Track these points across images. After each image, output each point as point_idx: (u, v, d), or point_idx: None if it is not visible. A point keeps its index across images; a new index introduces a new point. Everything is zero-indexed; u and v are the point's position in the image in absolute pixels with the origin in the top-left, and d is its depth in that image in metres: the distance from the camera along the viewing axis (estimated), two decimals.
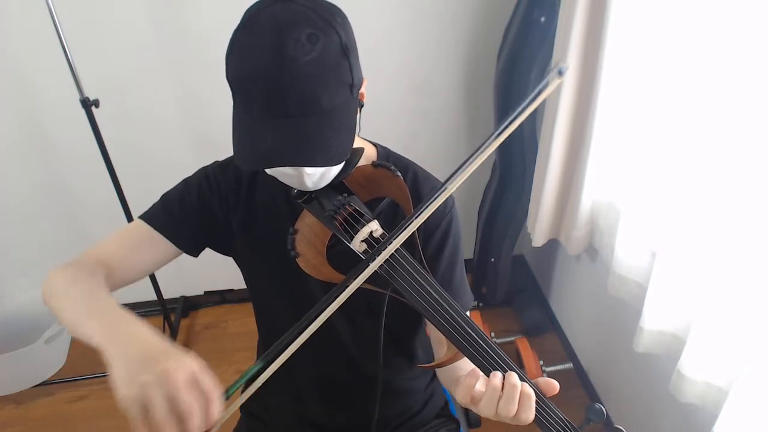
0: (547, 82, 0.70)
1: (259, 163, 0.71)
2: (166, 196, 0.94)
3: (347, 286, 0.68)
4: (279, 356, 0.65)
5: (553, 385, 0.70)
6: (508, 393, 0.66)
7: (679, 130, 1.21)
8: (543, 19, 1.65)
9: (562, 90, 1.50)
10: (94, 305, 0.70)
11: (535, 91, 0.70)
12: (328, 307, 0.68)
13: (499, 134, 0.71)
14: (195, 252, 0.95)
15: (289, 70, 0.66)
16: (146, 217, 0.91)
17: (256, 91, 0.69)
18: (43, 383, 2.03)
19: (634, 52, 1.32)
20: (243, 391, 0.66)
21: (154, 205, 0.93)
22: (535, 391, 0.69)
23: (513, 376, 0.68)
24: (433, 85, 1.97)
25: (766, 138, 0.98)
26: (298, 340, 0.66)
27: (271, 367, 0.65)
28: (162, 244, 0.89)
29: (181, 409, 0.55)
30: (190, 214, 0.91)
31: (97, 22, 1.67)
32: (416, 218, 0.70)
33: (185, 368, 0.56)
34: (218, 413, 0.58)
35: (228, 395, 0.62)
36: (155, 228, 0.89)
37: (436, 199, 0.71)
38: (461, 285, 0.96)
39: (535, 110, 1.94)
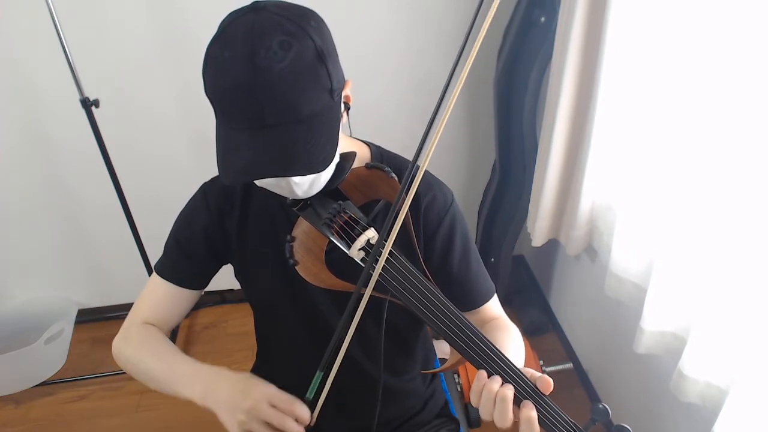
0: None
1: (239, 176, 0.70)
2: (167, 243, 0.98)
3: (362, 294, 0.69)
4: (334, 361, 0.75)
5: (548, 383, 0.69)
6: (499, 407, 0.66)
7: (675, 129, 1.21)
8: (543, 19, 1.65)
9: (561, 90, 1.50)
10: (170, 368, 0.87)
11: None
12: (356, 312, 0.71)
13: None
14: (213, 275, 1.00)
15: (263, 80, 0.65)
16: (159, 269, 0.97)
17: (233, 104, 0.68)
18: (43, 383, 2.02)
19: (634, 53, 1.31)
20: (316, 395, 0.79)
21: (162, 255, 0.98)
22: (538, 393, 0.69)
23: (505, 390, 0.66)
24: (432, 85, 1.96)
25: (764, 139, 0.98)
26: (342, 348, 0.73)
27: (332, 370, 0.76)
28: (180, 292, 0.96)
29: (276, 424, 0.75)
30: (190, 254, 0.95)
31: (97, 22, 1.67)
32: (400, 207, 0.69)
33: (263, 397, 0.76)
34: (305, 413, 0.77)
35: (310, 397, 0.78)
36: (167, 280, 0.95)
37: (412, 180, 0.69)
38: (478, 277, 0.96)
39: (536, 109, 1.93)
